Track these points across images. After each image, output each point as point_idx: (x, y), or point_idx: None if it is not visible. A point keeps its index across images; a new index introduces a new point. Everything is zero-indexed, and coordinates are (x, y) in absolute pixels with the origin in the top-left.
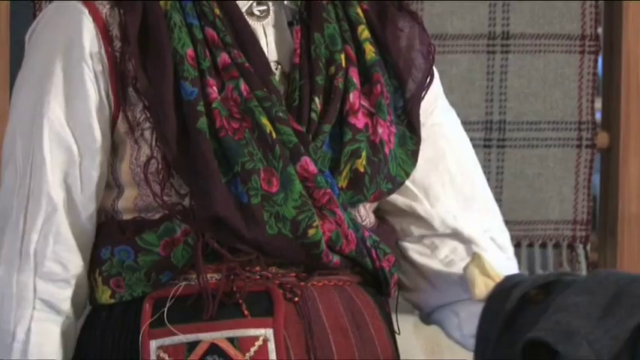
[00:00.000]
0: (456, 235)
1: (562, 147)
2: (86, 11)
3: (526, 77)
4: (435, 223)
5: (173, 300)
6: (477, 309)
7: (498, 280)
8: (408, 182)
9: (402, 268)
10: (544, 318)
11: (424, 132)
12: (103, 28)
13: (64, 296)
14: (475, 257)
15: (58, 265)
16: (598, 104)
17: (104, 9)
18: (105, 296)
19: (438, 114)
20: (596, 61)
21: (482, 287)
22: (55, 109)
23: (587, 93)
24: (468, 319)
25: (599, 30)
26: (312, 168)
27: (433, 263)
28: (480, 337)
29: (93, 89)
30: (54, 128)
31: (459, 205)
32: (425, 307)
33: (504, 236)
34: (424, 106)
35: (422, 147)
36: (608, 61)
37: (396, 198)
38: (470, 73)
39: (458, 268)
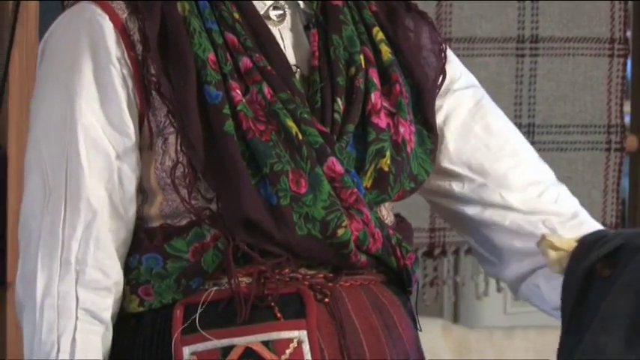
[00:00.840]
0: (514, 203)
1: (591, 150)
2: (106, 17)
3: (555, 80)
4: (492, 198)
5: (204, 305)
6: (554, 280)
7: (571, 249)
8: (451, 166)
9: (483, 245)
10: (588, 333)
11: (444, 114)
12: (123, 33)
13: (105, 305)
14: (542, 238)
15: (99, 273)
16: (627, 107)
17: (123, 14)
18: (133, 305)
19: (456, 93)
20: (625, 64)
21: (556, 264)
22: (89, 115)
23: (616, 96)
24: (549, 291)
25: (628, 33)
26: (339, 168)
27: (502, 235)
28: (562, 315)
29: (123, 91)
30: (89, 134)
31: (504, 166)
32: (510, 279)
33: (561, 190)
34: (439, 93)
35: (449, 127)
36: (637, 65)
37: (450, 184)
38: (499, 76)
39: (526, 235)
